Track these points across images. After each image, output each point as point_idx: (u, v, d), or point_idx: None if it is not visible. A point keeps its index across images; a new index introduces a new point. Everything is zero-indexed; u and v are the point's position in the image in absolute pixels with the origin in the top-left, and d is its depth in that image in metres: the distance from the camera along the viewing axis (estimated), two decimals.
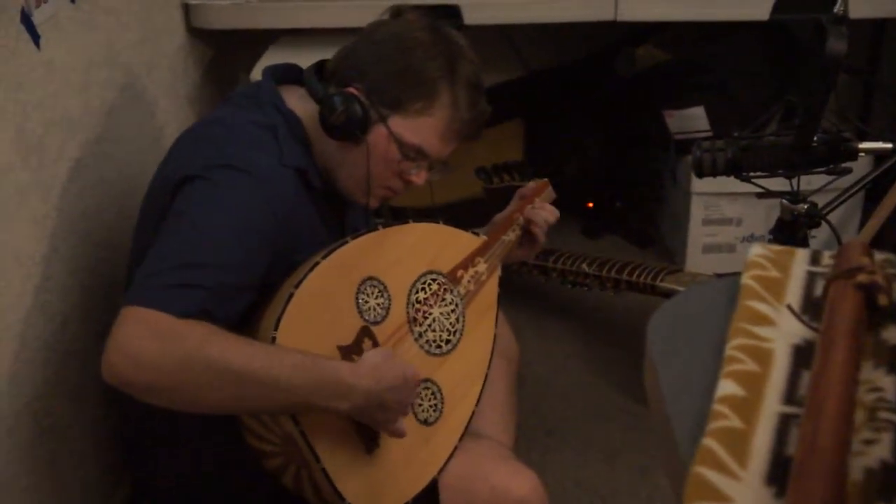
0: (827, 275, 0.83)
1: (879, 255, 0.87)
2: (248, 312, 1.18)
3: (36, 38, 1.33)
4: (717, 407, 0.70)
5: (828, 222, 1.58)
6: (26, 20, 1.31)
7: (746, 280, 0.85)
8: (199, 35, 2.16)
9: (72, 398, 1.45)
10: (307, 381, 1.11)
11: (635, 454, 1.94)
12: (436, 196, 2.50)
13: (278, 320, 1.14)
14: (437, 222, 1.42)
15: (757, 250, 0.91)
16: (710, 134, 2.29)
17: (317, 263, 1.20)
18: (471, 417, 1.37)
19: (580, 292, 2.20)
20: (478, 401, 1.39)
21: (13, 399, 1.30)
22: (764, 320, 0.80)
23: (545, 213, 1.50)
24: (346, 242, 1.26)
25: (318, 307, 1.20)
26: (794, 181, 1.56)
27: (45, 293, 1.38)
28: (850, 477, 0.62)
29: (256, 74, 1.99)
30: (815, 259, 0.90)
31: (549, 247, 1.84)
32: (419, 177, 1.35)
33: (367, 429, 1.22)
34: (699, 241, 2.42)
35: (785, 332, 0.79)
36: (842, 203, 1.73)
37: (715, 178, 1.61)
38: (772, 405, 0.71)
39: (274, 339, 1.13)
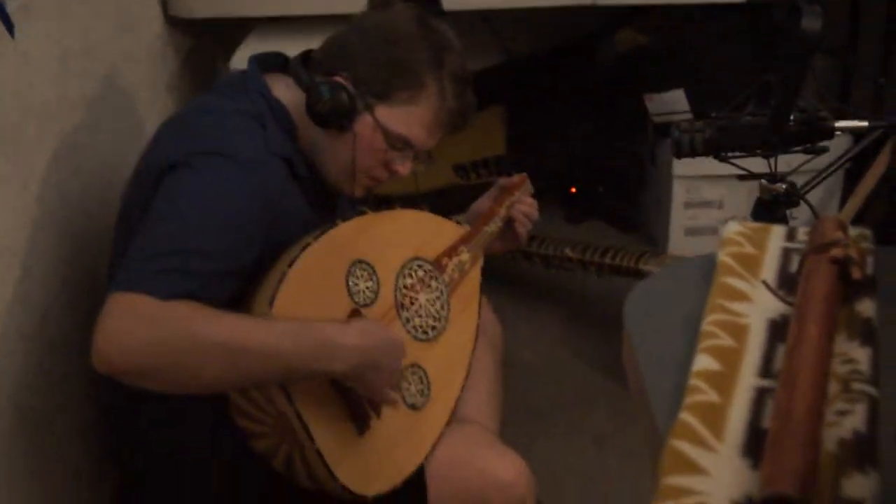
0: (802, 250, 0.84)
1: (853, 230, 0.88)
2: (237, 296, 1.18)
3: (10, 26, 1.32)
4: (694, 381, 0.71)
5: (806, 202, 1.58)
6: None
7: (723, 257, 0.86)
8: (178, 24, 2.15)
9: (55, 389, 1.45)
10: (298, 345, 1.11)
11: (623, 438, 1.95)
12: (420, 183, 2.50)
13: (273, 298, 1.13)
14: (423, 210, 1.43)
15: (733, 227, 0.91)
16: (689, 116, 2.30)
17: (308, 244, 1.20)
18: (456, 403, 1.38)
19: (565, 277, 2.21)
20: (462, 387, 1.40)
21: None
22: (740, 296, 0.81)
23: (527, 208, 1.53)
24: (336, 225, 1.26)
25: (311, 287, 1.20)
26: (773, 161, 1.56)
27: (25, 284, 1.37)
28: (824, 447, 0.63)
29: (236, 63, 1.98)
30: (790, 235, 0.91)
31: (533, 232, 1.85)
32: (404, 167, 1.36)
33: (358, 410, 1.23)
34: (681, 224, 2.44)
35: (760, 307, 0.80)
36: (820, 182, 1.73)
37: (695, 161, 1.62)
38: (747, 379, 0.72)
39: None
